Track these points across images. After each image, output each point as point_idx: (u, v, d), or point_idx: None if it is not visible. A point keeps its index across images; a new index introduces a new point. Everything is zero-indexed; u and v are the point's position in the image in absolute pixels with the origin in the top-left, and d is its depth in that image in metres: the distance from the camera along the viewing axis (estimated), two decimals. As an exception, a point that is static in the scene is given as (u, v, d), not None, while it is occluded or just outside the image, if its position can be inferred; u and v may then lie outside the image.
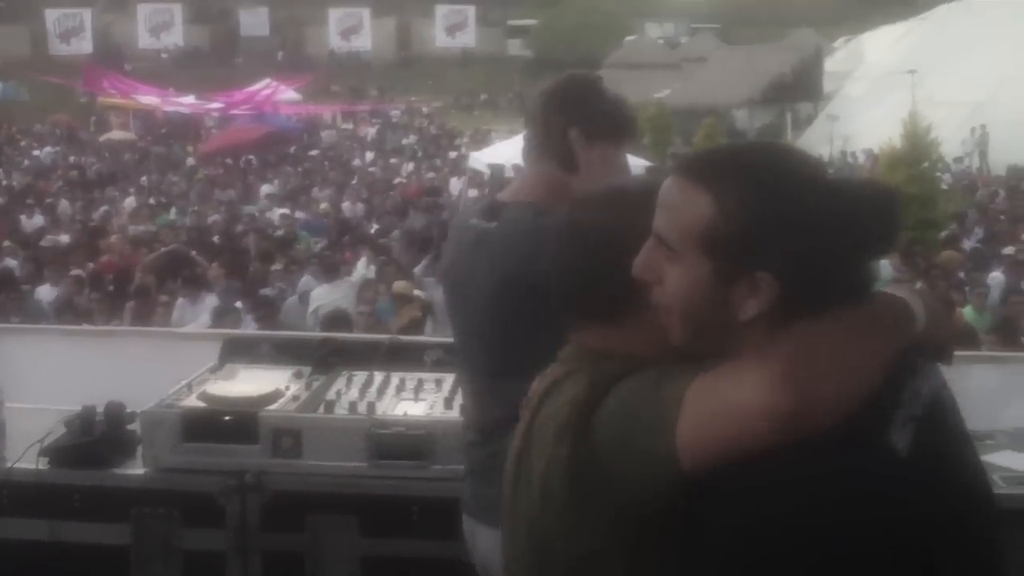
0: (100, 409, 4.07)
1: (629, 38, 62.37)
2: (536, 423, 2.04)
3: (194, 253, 14.48)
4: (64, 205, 22.70)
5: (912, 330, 1.89)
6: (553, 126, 3.04)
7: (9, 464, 3.93)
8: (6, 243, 16.24)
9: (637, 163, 24.55)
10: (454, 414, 3.87)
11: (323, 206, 22.16)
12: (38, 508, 3.91)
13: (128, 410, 4.08)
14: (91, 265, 14.56)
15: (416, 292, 12.49)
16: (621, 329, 2.02)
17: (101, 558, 3.90)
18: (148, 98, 46.56)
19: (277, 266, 14.16)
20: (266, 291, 12.74)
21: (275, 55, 66.32)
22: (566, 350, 2.11)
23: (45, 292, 12.96)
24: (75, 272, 13.57)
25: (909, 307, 1.91)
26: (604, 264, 2.00)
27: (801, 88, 46.91)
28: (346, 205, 22.55)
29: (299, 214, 20.99)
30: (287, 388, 4.10)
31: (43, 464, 3.90)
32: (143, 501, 3.89)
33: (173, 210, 21.33)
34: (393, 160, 34.73)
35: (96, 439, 3.99)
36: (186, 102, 45.67)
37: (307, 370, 4.30)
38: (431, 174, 30.54)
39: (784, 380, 1.70)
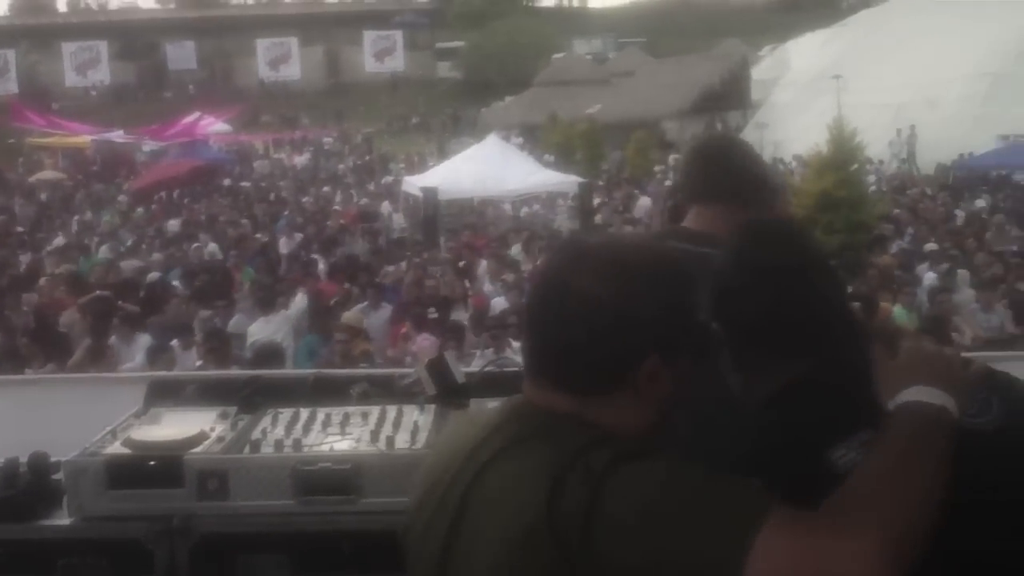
0: (23, 460, 4.02)
1: (557, 56, 62.75)
2: (478, 493, 1.98)
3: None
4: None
5: (948, 435, 1.91)
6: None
7: (-70, 520, 3.87)
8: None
9: (569, 179, 24.74)
10: (380, 447, 3.87)
11: (257, 236, 22.04)
12: (-37, 564, 3.86)
13: (53, 459, 4.03)
14: (24, 309, 14.38)
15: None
16: (594, 401, 1.96)
17: (30, 612, 3.85)
18: (77, 137, 46.28)
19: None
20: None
21: (204, 88, 65.92)
22: (516, 404, 2.07)
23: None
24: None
25: (937, 413, 1.94)
26: (597, 335, 1.94)
27: (730, 97, 47.43)
28: (283, 240, 22.41)
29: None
30: (212, 429, 4.07)
31: (-34, 519, 3.84)
32: (70, 552, 3.84)
33: (104, 248, 21.06)
34: (326, 188, 34.63)
35: (20, 491, 3.93)
36: (116, 136, 45.40)
37: (233, 410, 4.27)
38: (364, 200, 30.48)
39: (883, 550, 1.68)
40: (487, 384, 4.42)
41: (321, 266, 17.52)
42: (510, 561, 1.84)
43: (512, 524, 1.85)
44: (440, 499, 2.09)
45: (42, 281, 16.38)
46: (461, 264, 17.01)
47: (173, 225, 25.37)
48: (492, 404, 4.24)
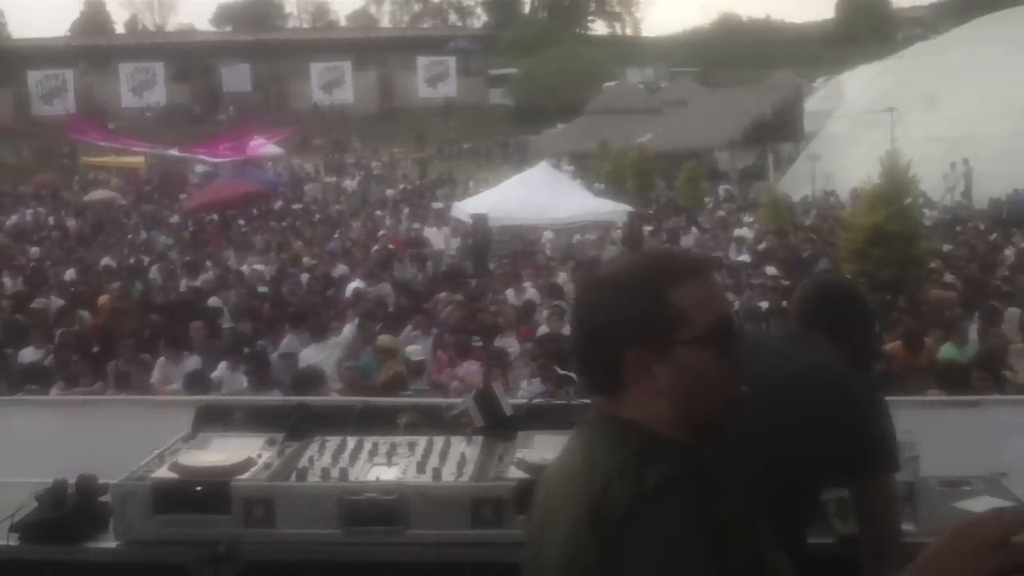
0: (72, 482, 4.04)
1: (609, 84, 62.69)
2: (550, 499, 2.26)
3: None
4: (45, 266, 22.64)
5: None
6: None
7: (-20, 541, 3.89)
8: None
9: (618, 208, 24.68)
10: (427, 478, 3.86)
11: (305, 260, 22.14)
12: (11, 585, 3.88)
13: (100, 481, 4.05)
14: (76, 328, 14.52)
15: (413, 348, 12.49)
16: (616, 400, 2.16)
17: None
18: (132, 157, 46.86)
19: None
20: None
21: (258, 110, 66.49)
22: (589, 414, 2.27)
23: (29, 355, 12.92)
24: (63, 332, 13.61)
25: None
26: (595, 344, 2.18)
27: (782, 128, 47.11)
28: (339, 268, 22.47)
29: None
30: (259, 456, 4.08)
31: (14, 540, 3.87)
32: (116, 575, 3.86)
33: (154, 269, 21.17)
34: (377, 212, 34.77)
35: (67, 513, 3.96)
36: (170, 152, 45.94)
37: (280, 437, 4.28)
38: (416, 225, 30.58)
39: None
40: (535, 416, 4.40)
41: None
42: (565, 552, 2.08)
43: (568, 517, 2.09)
44: (541, 524, 2.28)
45: (101, 300, 16.53)
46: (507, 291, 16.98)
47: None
48: (539, 437, 4.24)
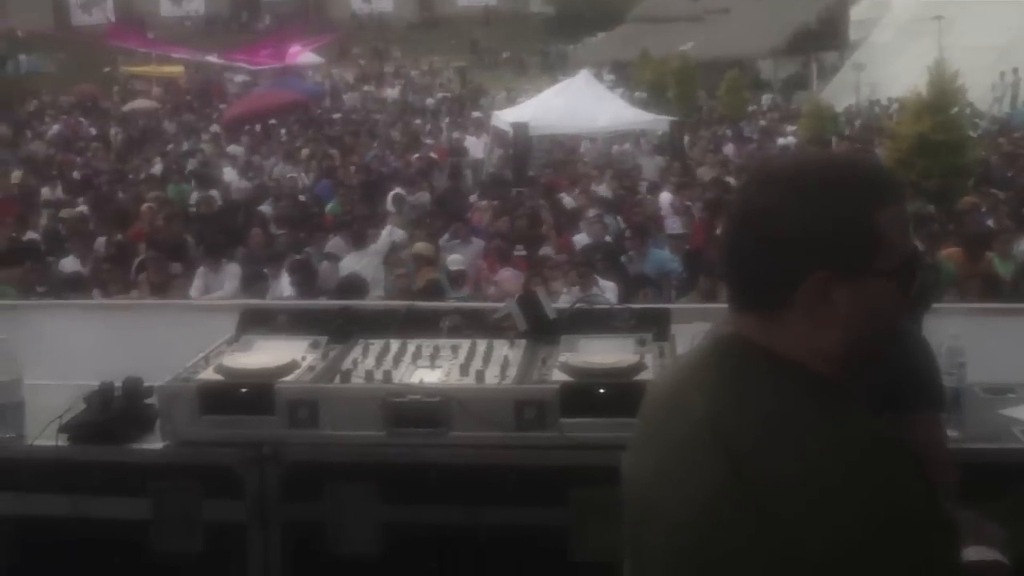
0: (118, 384, 4.07)
1: (651, -9, 61.80)
2: (676, 430, 1.98)
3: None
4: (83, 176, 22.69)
5: None
6: None
7: (29, 442, 3.94)
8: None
9: (659, 118, 24.49)
10: (470, 380, 3.86)
11: (349, 170, 22.12)
12: (59, 484, 3.93)
13: (146, 384, 4.08)
14: (120, 236, 14.58)
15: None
16: (776, 322, 1.92)
17: (122, 532, 3.91)
18: (172, 66, 46.83)
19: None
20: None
21: (298, 18, 66.07)
22: (716, 335, 2.06)
23: (69, 263, 13.02)
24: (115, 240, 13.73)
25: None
26: (765, 248, 1.91)
27: (826, 37, 46.51)
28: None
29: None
30: (303, 359, 4.10)
31: (63, 441, 3.91)
32: (162, 475, 3.90)
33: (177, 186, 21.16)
34: (417, 121, 34.63)
35: (114, 415, 3.99)
36: (210, 57, 45.89)
37: (324, 340, 4.29)
38: (456, 133, 30.47)
39: None
40: (578, 320, 4.40)
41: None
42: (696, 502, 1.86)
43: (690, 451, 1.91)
44: (649, 438, 2.10)
45: (143, 209, 16.61)
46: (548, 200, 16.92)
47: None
48: (583, 340, 4.23)
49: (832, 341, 1.90)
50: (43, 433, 3.92)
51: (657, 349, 4.13)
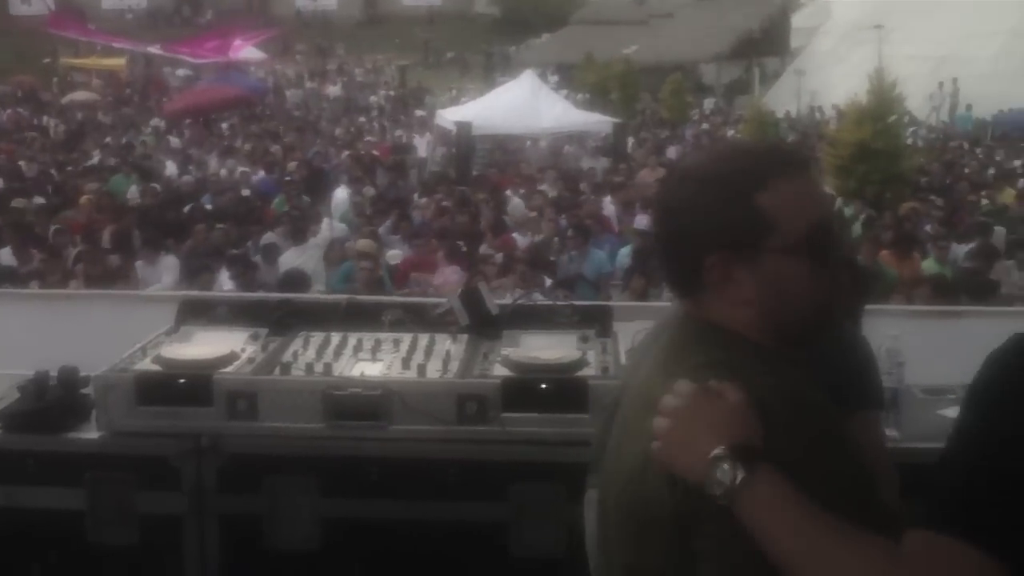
0: (54, 374, 4.02)
1: (595, -6, 61.97)
2: (627, 398, 2.13)
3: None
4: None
5: None
6: None
7: (-38, 430, 3.88)
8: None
9: (603, 119, 24.58)
10: (412, 374, 3.85)
11: (290, 165, 22.00)
12: (-8, 474, 3.87)
13: (83, 374, 4.03)
14: (56, 228, 14.39)
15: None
16: (701, 304, 2.01)
17: (57, 523, 3.87)
18: (113, 59, 46.26)
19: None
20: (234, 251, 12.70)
21: (241, 14, 65.56)
22: (673, 315, 2.15)
23: (5, 256, 12.82)
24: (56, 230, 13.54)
25: None
26: (674, 239, 2.04)
27: (768, 43, 46.86)
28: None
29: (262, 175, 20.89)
30: (243, 350, 4.06)
31: (-4, 429, 3.86)
32: (98, 465, 3.86)
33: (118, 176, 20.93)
34: (361, 119, 34.51)
35: (50, 404, 3.94)
36: (152, 49, 45.35)
37: (264, 332, 4.26)
38: (399, 132, 30.40)
39: None
40: (521, 315, 4.39)
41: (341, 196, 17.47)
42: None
43: (644, 423, 1.93)
44: (626, 416, 2.12)
45: (82, 200, 16.40)
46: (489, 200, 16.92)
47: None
48: (525, 335, 4.23)
49: (751, 317, 1.97)
50: (-25, 422, 3.86)
51: (600, 345, 4.13)
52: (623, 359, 3.91)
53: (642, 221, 14.59)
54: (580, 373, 3.82)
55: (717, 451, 1.78)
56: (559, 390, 3.71)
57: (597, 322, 4.32)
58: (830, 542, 1.70)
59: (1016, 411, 1.63)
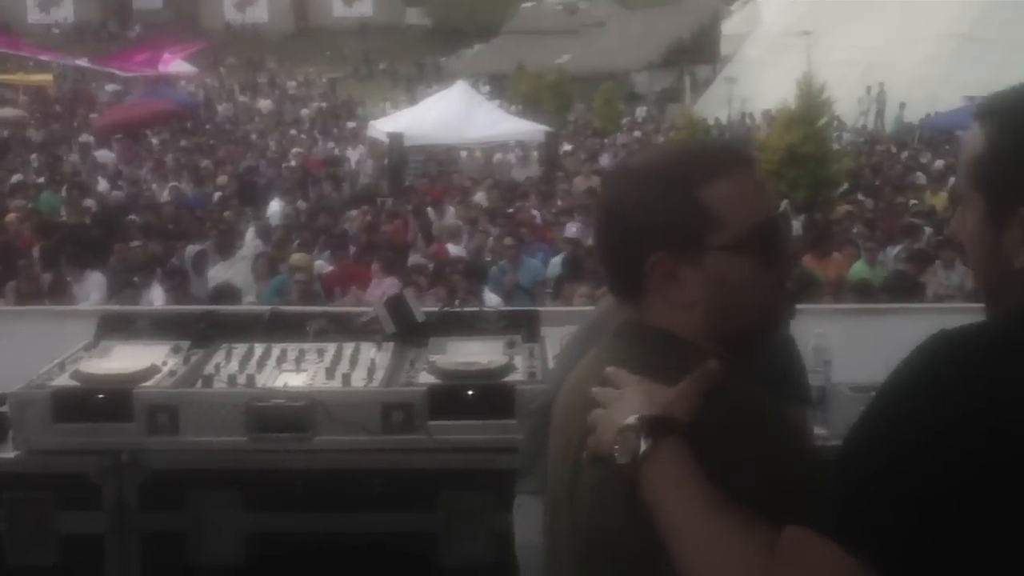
0: (-31, 392, 3.91)
1: (526, 4, 62.00)
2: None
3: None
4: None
5: None
6: None
7: None
8: None
9: (536, 128, 24.60)
10: (336, 384, 3.79)
11: (221, 179, 21.82)
12: (-96, 495, 3.76)
13: (-1, 392, 3.93)
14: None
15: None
16: (643, 308, 1.92)
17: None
18: (40, 75, 45.71)
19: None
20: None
21: (170, 27, 65.06)
22: (617, 324, 2.03)
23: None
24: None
25: None
26: (614, 240, 1.95)
27: (699, 51, 47.22)
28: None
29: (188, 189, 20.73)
30: (164, 363, 3.99)
31: (-94, 450, 3.75)
32: (15, 485, 3.76)
33: (64, 188, 20.75)
34: (292, 132, 34.31)
35: (-37, 422, 3.84)
36: (80, 62, 44.92)
37: (186, 345, 4.18)
38: (331, 144, 30.26)
39: None
40: (447, 323, 4.35)
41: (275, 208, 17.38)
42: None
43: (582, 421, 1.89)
44: (564, 432, 2.02)
45: (8, 218, 16.14)
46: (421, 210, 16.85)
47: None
48: (452, 343, 4.19)
49: (695, 320, 1.88)
50: None
51: (527, 350, 4.10)
52: (551, 363, 3.88)
53: (571, 229, 14.61)
54: (507, 379, 3.78)
55: (630, 420, 1.73)
56: (486, 396, 3.67)
57: (524, 327, 4.29)
58: (710, 526, 1.63)
59: (926, 420, 1.57)
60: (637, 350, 1.91)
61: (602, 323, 2.93)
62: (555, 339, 4.06)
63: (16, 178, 22.54)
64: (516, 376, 3.81)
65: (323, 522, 3.74)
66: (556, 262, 12.80)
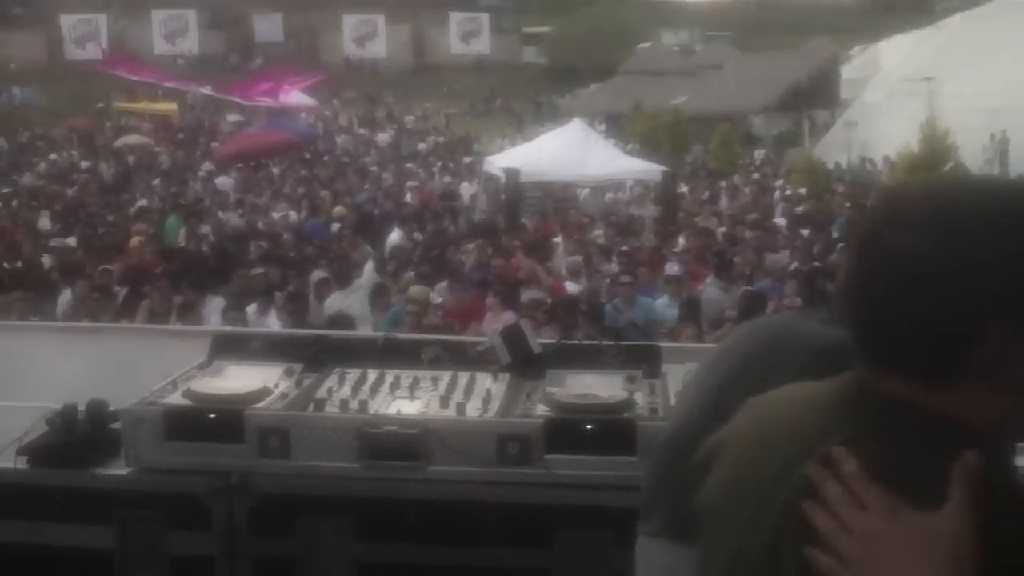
0: (82, 407, 3.89)
1: (643, 45, 62.08)
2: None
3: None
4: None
5: None
6: None
7: (-15, 463, 3.76)
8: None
9: (652, 167, 24.43)
10: (451, 413, 3.69)
11: (337, 209, 22.02)
12: (17, 509, 3.74)
13: (112, 408, 3.90)
14: (104, 268, 14.39)
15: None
16: (935, 388, 1.51)
17: (85, 561, 3.73)
18: (165, 104, 46.83)
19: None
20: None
21: (290, 60, 66.27)
22: (849, 387, 1.62)
23: (65, 300, 12.78)
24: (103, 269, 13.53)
25: None
26: (915, 302, 1.49)
27: (818, 95, 46.67)
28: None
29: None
30: (276, 385, 3.93)
31: (21, 463, 3.73)
32: (127, 502, 3.72)
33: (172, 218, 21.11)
34: (409, 165, 34.62)
35: (77, 438, 3.82)
36: (204, 90, 45.96)
37: (298, 368, 4.12)
38: (447, 178, 30.45)
39: None
40: (564, 355, 4.24)
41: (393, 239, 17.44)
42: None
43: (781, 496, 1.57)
44: (759, 488, 1.64)
45: (133, 242, 16.44)
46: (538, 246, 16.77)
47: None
48: (570, 376, 4.06)
49: (1006, 408, 1.50)
50: (1, 455, 3.74)
51: (647, 386, 3.96)
52: (672, 400, 3.75)
53: (673, 268, 14.42)
54: (628, 414, 3.65)
55: None
56: (606, 431, 3.54)
57: (645, 363, 4.16)
58: None
59: None
60: (908, 443, 1.50)
61: (741, 351, 2.76)
62: (676, 376, 3.93)
63: (141, 203, 23.06)
64: (637, 411, 3.68)
65: (435, 554, 3.64)
66: (664, 302, 12.66)
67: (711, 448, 1.80)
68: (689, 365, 3.97)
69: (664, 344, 4.77)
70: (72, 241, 17.32)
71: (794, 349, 2.52)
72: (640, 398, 3.81)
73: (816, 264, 13.64)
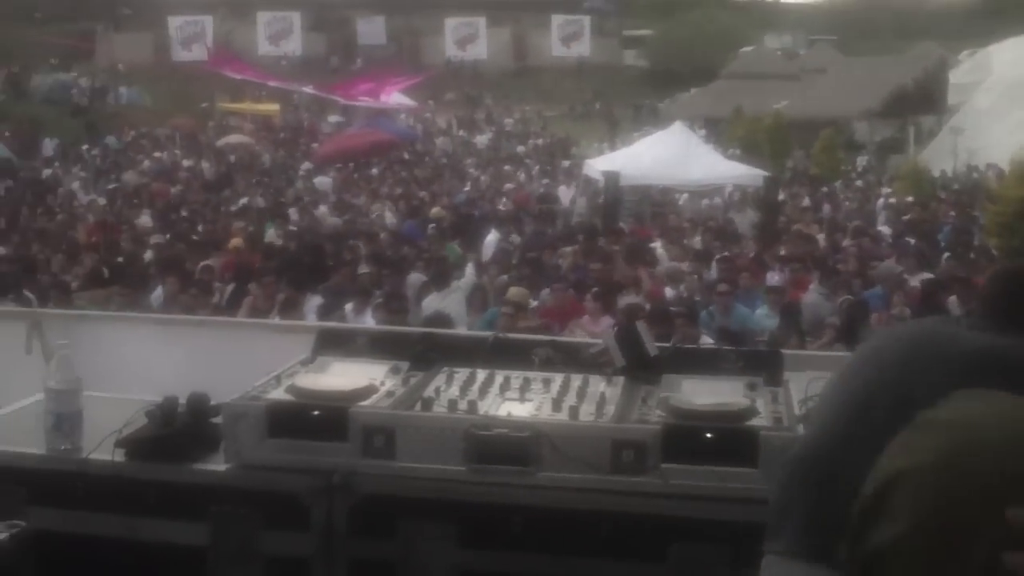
0: (183, 401, 3.79)
1: (745, 49, 61.43)
2: None
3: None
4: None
5: None
6: None
7: (84, 455, 3.67)
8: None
9: (754, 172, 24.06)
10: (563, 416, 3.53)
11: (435, 210, 22.01)
12: (114, 502, 3.66)
13: (213, 402, 3.79)
14: (205, 264, 14.48)
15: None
16: None
17: (177, 557, 3.63)
18: (267, 105, 47.35)
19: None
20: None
21: (391, 62, 66.69)
22: None
23: (158, 297, 12.88)
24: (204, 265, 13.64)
25: None
26: None
27: (924, 100, 45.77)
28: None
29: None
30: (382, 383, 3.80)
31: (119, 456, 3.63)
32: (223, 499, 3.61)
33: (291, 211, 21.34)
34: (507, 167, 34.58)
35: (176, 431, 3.72)
36: (306, 89, 46.41)
37: (405, 366, 3.98)
38: (545, 181, 30.35)
39: None
40: (681, 359, 4.05)
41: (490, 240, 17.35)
42: None
43: None
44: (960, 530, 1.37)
45: (234, 241, 16.56)
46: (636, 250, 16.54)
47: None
48: (687, 381, 3.88)
49: None
50: (100, 447, 3.65)
51: (769, 394, 3.76)
52: (797, 410, 3.55)
53: (775, 278, 14.12)
54: (750, 423, 3.45)
55: None
56: (727, 441, 3.35)
57: (765, 369, 3.95)
58: None
59: None
60: None
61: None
62: (799, 384, 3.73)
63: (242, 201, 23.31)
64: (760, 421, 3.48)
65: (540, 564, 3.48)
66: (763, 313, 12.40)
67: (887, 477, 1.50)
68: (810, 373, 3.78)
69: (786, 351, 4.56)
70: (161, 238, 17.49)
71: (947, 355, 2.31)
72: (762, 407, 3.61)
73: (931, 276, 13.37)
